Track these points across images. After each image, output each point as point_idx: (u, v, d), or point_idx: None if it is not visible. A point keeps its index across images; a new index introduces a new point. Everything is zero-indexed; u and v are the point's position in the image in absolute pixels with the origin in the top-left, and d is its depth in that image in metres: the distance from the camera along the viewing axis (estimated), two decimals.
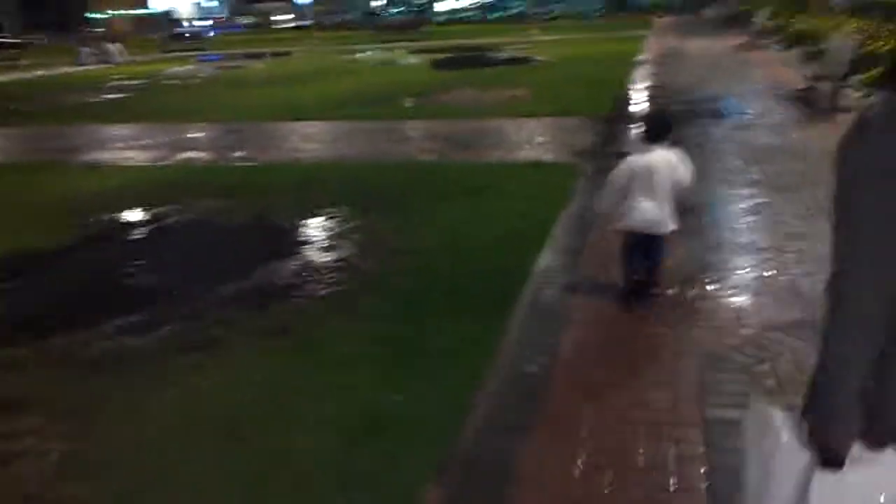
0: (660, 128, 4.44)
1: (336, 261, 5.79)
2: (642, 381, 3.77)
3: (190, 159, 10.14)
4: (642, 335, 4.29)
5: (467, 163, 8.85)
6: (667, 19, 43.88)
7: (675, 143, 4.47)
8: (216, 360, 4.29)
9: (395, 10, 77.72)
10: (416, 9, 75.93)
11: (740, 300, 4.65)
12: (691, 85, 14.15)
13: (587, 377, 3.85)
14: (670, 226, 4.43)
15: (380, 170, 8.75)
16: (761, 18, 22.27)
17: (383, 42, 33.26)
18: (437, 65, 22.21)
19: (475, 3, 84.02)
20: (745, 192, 7.01)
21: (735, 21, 31.99)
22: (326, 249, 6.04)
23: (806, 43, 18.41)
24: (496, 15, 65.28)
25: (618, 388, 3.71)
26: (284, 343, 4.48)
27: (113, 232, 7.06)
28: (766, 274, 5.04)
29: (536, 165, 8.44)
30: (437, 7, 79.96)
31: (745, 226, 6.10)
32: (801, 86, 12.89)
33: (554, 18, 53.74)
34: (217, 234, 6.73)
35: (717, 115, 11.09)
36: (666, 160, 4.33)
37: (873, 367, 1.52)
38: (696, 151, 8.53)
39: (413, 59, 24.86)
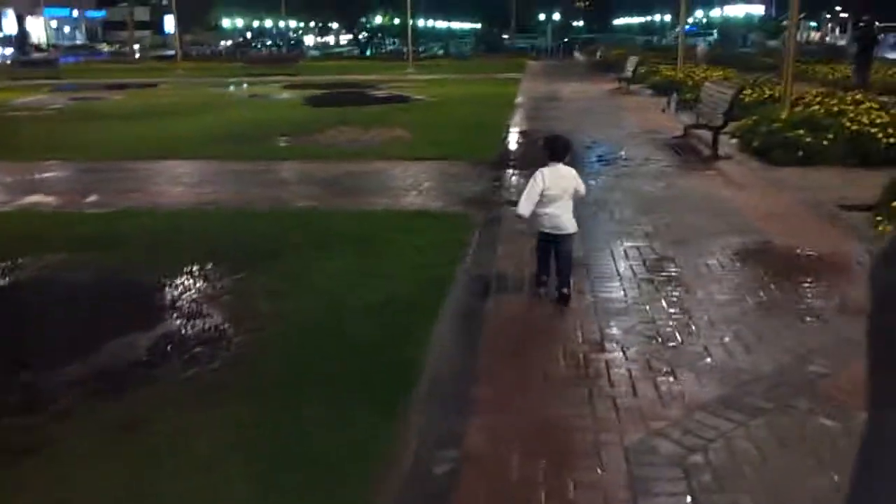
0: (561, 148, 5.51)
1: (202, 332, 4.99)
2: (566, 479, 3.24)
3: (34, 205, 8.95)
4: (563, 423, 3.78)
5: (349, 210, 8.21)
6: (540, 62, 45.06)
7: (569, 162, 5.60)
8: (46, 469, 3.43)
9: (268, 43, 76.30)
10: (289, 43, 74.78)
11: (659, 379, 4.23)
12: (572, 129, 14.12)
13: (502, 478, 3.28)
14: (572, 228, 5.46)
15: (252, 218, 7.96)
16: (632, 65, 23.00)
17: (254, 76, 32.18)
18: (312, 101, 21.49)
19: (350, 39, 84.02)
20: (641, 243, 6.75)
21: (606, 66, 33.13)
22: (191, 317, 5.23)
23: (676, 90, 19.04)
24: (371, 52, 65.22)
25: (540, 488, 3.16)
26: (134, 442, 3.67)
27: None
28: (685, 347, 4.68)
29: (425, 215, 7.91)
30: (309, 41, 79.21)
31: (645, 285, 5.76)
32: (678, 133, 13.11)
33: (431, 56, 54.13)
34: (60, 299, 5.74)
35: (602, 161, 11.00)
36: (567, 174, 5.45)
37: None
38: (586, 198, 8.33)
39: (286, 95, 24.02)
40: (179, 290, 5.76)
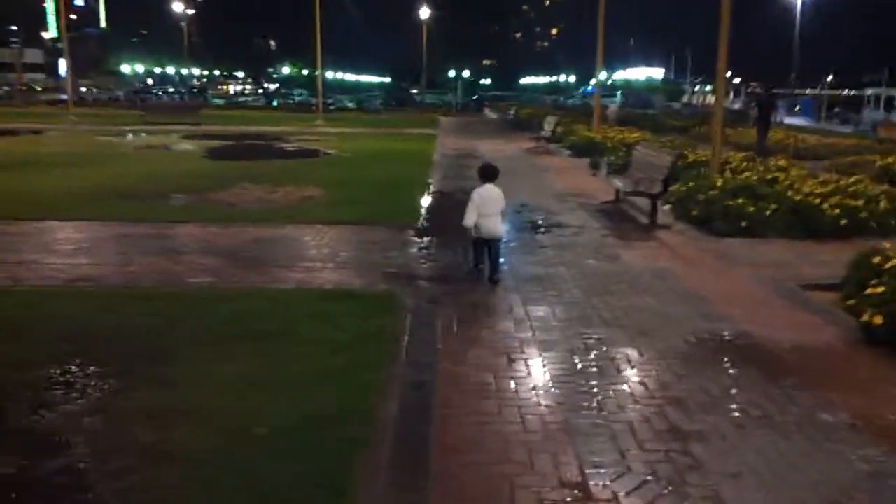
0: (490, 172, 7.35)
1: (58, 472, 3.64)
2: None
3: None
4: None
5: (255, 290, 6.93)
6: (452, 118, 44.82)
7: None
8: None
9: (170, 91, 73.82)
10: (191, 91, 72.56)
11: None
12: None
13: None
14: (501, 233, 7.26)
15: (136, 300, 6.57)
16: (551, 124, 22.63)
17: (152, 124, 30.38)
18: (214, 154, 20.05)
19: (257, 89, 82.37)
20: (602, 334, 5.77)
21: (519, 124, 32.97)
22: (44, 451, 3.86)
23: (601, 152, 18.62)
24: (278, 102, 63.88)
25: None
26: None
27: None
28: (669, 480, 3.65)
29: (345, 295, 6.71)
30: (214, 90, 77.20)
31: (632, 407, 4.74)
32: (608, 197, 12.44)
33: (341, 109, 53.26)
34: None
35: (537, 229, 10.11)
36: (496, 192, 7.22)
37: None
38: (527, 274, 7.34)
39: (186, 146, 22.47)
40: (23, 408, 4.36)
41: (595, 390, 4.78)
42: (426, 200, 12.45)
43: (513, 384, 4.86)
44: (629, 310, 6.47)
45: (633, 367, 5.18)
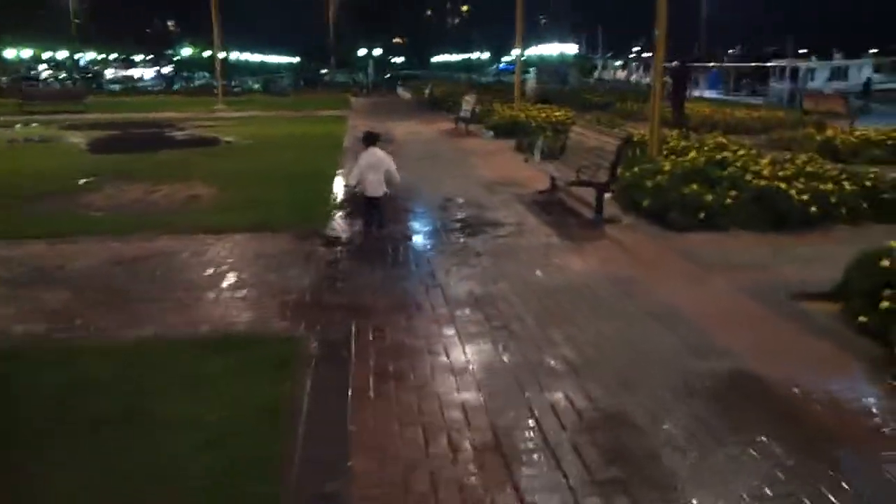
0: (372, 138, 8.29)
1: None
2: None
3: None
4: None
5: (98, 343, 5.15)
6: (364, 99, 42.79)
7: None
8: None
9: (62, 77, 68.86)
10: (85, 76, 67.82)
11: None
12: (418, 181, 11.68)
13: None
14: (382, 192, 8.16)
15: None
16: (469, 104, 21.07)
17: (30, 114, 27.33)
18: (95, 146, 17.70)
19: (156, 72, 77.84)
20: (570, 388, 4.28)
21: (435, 104, 31.31)
22: None
23: (522, 132, 17.20)
24: (178, 86, 60.30)
25: None
26: None
27: None
28: None
29: (223, 345, 5.01)
30: (110, 74, 72.51)
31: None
32: (542, 186, 11.01)
33: (247, 91, 50.43)
34: None
35: (466, 229, 8.57)
36: (378, 154, 8.19)
37: None
38: (462, 294, 5.72)
39: (66, 138, 19.93)
40: None
41: None
42: (335, 197, 10.74)
43: (457, 492, 3.32)
44: (598, 344, 5.01)
45: (619, 456, 3.70)
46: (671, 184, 9.14)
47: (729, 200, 8.66)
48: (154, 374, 4.54)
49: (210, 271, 6.83)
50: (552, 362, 4.72)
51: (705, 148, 12.33)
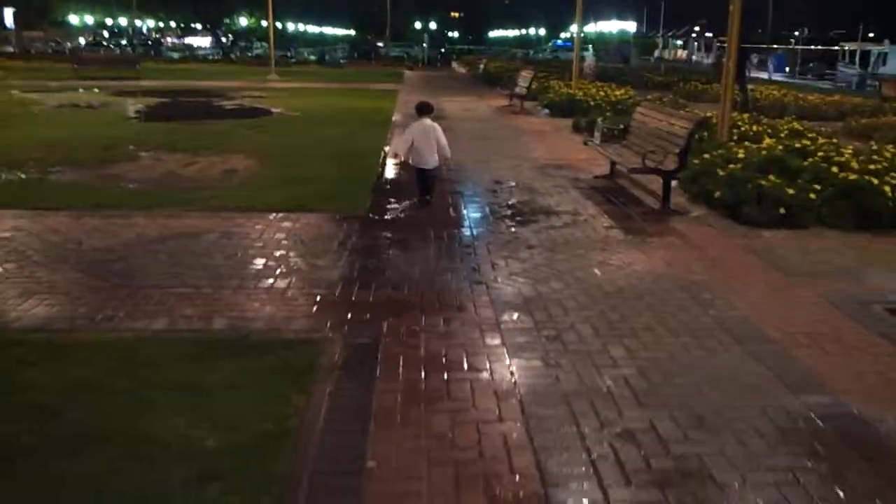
0: (425, 109, 8.13)
1: None
2: None
3: None
4: None
5: (95, 336, 4.59)
6: (417, 72, 42.05)
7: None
8: None
9: (123, 43, 69.59)
10: (145, 43, 68.43)
11: None
12: (467, 163, 10.98)
13: None
14: (434, 163, 8.02)
15: None
16: (526, 80, 20.18)
17: (84, 79, 27.27)
18: (142, 115, 17.38)
19: (213, 41, 78.21)
20: (635, 421, 3.56)
21: (490, 79, 30.42)
22: None
23: (579, 111, 16.31)
24: (235, 55, 60.37)
25: None
26: None
27: None
28: None
29: (233, 348, 4.40)
30: (169, 42, 72.98)
31: None
32: (601, 171, 10.21)
33: (303, 62, 50.21)
34: None
35: (518, 217, 7.85)
36: (430, 125, 8.03)
37: None
38: (510, 294, 4.94)
39: (114, 105, 19.69)
40: None
41: None
42: (379, 175, 10.10)
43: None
44: (666, 367, 4.26)
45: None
46: (746, 174, 8.27)
47: (813, 195, 7.76)
48: (153, 380, 3.95)
49: (235, 256, 6.25)
50: (612, 387, 3.99)
51: (781, 135, 11.38)
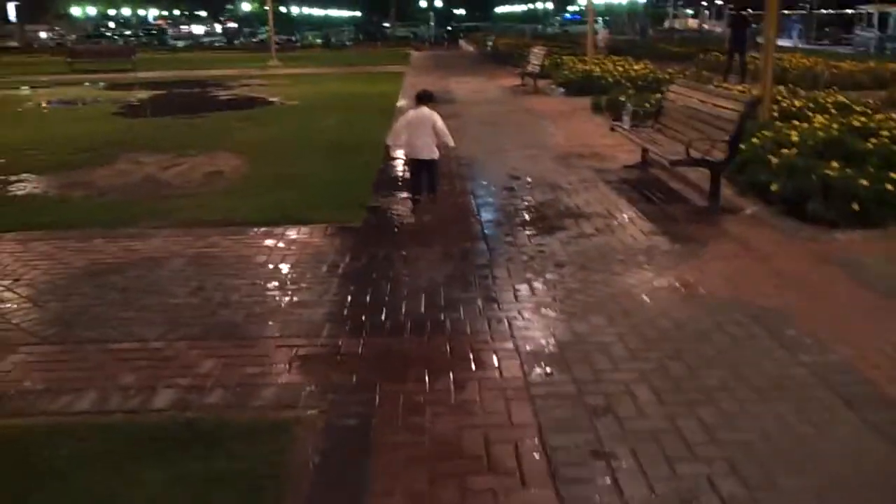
0: (425, 97, 7.30)
1: None
2: None
3: None
4: None
5: (8, 432, 3.50)
6: (424, 52, 40.70)
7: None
8: None
9: (127, 34, 68.45)
10: (149, 33, 67.28)
11: None
12: (479, 154, 9.80)
13: None
14: (430, 155, 7.10)
15: None
16: (539, 58, 18.87)
17: (78, 72, 26.16)
18: (130, 109, 16.26)
19: (218, 28, 76.94)
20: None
21: (499, 57, 29.09)
22: None
23: (598, 89, 15.05)
24: (240, 41, 59.23)
25: None
26: None
27: None
28: None
29: (185, 437, 3.29)
30: (173, 31, 71.79)
31: None
32: (630, 159, 9.01)
33: (308, 46, 48.98)
34: None
35: (539, 221, 6.67)
36: (427, 113, 7.15)
37: None
38: (537, 337, 3.74)
39: (106, 99, 18.58)
40: None
41: None
42: (378, 174, 8.95)
43: None
44: (765, 459, 3.10)
45: None
46: (804, 161, 7.05)
47: (889, 185, 6.54)
48: (57, 492, 2.85)
49: (200, 292, 5.12)
50: (696, 495, 2.85)
51: (829, 110, 10.12)
